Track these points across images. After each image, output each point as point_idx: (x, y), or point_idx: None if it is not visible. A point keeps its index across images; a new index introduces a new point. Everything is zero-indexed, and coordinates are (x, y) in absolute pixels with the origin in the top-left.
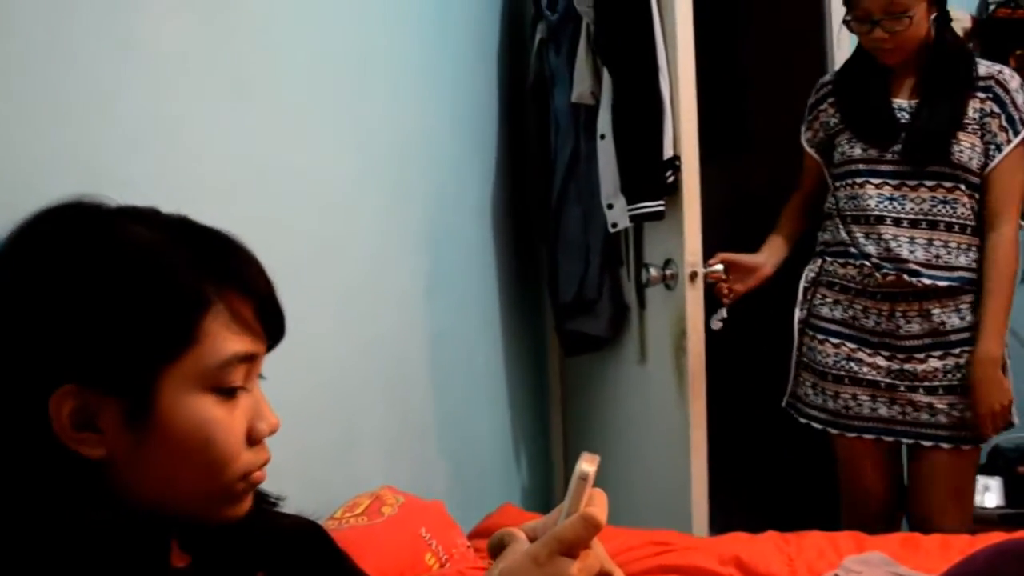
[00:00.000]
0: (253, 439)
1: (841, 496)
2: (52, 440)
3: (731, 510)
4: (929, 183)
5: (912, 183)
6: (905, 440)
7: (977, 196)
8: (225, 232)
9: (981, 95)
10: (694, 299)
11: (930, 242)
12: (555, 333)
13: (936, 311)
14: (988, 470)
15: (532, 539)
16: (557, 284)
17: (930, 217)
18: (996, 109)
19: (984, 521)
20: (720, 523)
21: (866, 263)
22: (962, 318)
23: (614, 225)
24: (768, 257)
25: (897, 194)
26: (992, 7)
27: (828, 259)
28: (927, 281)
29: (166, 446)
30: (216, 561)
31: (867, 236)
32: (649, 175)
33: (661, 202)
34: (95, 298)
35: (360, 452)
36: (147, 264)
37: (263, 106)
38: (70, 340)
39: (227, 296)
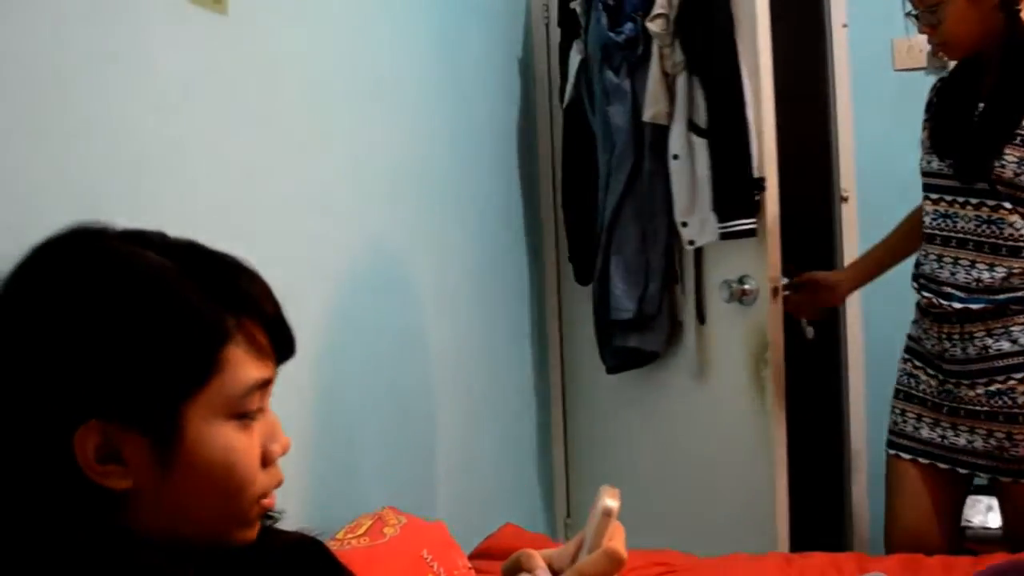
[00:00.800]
0: (267, 461)
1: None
2: (77, 474)
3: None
4: (974, 200)
5: (961, 200)
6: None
7: None
8: (233, 256)
9: None
10: (774, 313)
11: (973, 264)
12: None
13: (979, 334)
14: (989, 491)
15: (549, 566)
16: (608, 302)
17: (974, 238)
18: None
19: (986, 541)
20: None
21: (914, 283)
22: (1013, 341)
23: (691, 242)
24: (849, 276)
25: (950, 211)
26: None
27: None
28: (957, 305)
29: (191, 475)
30: None
31: (925, 255)
32: (743, 194)
33: (753, 219)
34: (119, 333)
35: (361, 473)
36: (168, 296)
37: (265, 128)
38: (94, 376)
39: (244, 324)
